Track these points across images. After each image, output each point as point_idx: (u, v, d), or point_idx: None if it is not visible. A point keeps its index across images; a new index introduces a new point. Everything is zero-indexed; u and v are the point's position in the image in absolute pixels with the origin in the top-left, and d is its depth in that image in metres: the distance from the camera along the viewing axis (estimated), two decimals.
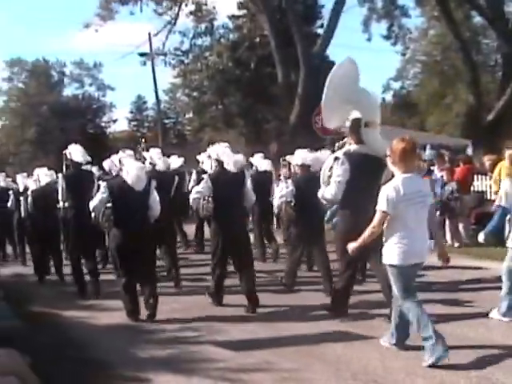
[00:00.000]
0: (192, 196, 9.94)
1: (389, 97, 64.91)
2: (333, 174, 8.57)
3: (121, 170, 9.50)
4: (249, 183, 10.30)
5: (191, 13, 35.76)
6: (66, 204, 11.72)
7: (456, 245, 14.93)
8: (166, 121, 71.19)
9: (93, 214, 9.35)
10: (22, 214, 14.48)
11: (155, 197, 9.43)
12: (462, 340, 7.32)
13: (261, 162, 15.11)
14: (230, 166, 9.81)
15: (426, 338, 6.55)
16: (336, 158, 8.61)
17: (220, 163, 10.00)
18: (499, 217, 8.57)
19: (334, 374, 6.40)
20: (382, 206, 6.75)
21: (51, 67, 69.84)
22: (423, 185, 7.14)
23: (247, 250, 9.92)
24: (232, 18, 41.53)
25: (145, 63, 39.85)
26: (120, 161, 10.10)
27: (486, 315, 8.39)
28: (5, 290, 8.84)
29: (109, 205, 9.16)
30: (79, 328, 9.11)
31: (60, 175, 12.22)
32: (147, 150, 13.32)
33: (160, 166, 12.33)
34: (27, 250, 15.44)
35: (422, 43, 52.64)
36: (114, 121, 72.59)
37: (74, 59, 71.22)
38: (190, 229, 17.12)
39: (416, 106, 56.45)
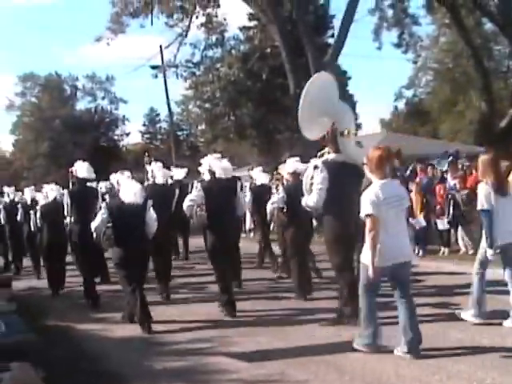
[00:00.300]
0: (185, 204, 10.31)
1: (401, 105, 64.83)
2: (314, 182, 9.02)
3: (119, 190, 10.09)
4: (239, 192, 10.84)
5: (202, 25, 35.77)
6: (72, 219, 12.09)
7: (470, 252, 14.84)
8: (179, 133, 71.15)
9: (94, 234, 9.86)
10: (32, 228, 14.85)
11: (152, 214, 9.89)
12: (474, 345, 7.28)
13: (259, 176, 15.63)
14: (220, 174, 10.32)
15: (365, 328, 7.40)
16: (315, 167, 9.08)
17: (212, 173, 10.44)
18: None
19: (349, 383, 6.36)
20: (367, 210, 7.12)
21: (64, 81, 70.09)
22: (400, 189, 7.61)
23: (237, 257, 11.02)
24: (243, 29, 41.56)
25: (156, 76, 39.93)
26: (117, 181, 10.79)
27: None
28: (18, 303, 8.83)
29: (109, 224, 9.65)
30: (93, 341, 9.14)
31: (65, 191, 12.73)
32: (150, 164, 13.50)
33: (159, 180, 12.66)
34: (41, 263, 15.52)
35: (434, 51, 52.52)
36: (127, 134, 72.42)
37: (87, 73, 71.63)
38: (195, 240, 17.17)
39: (428, 113, 56.26)
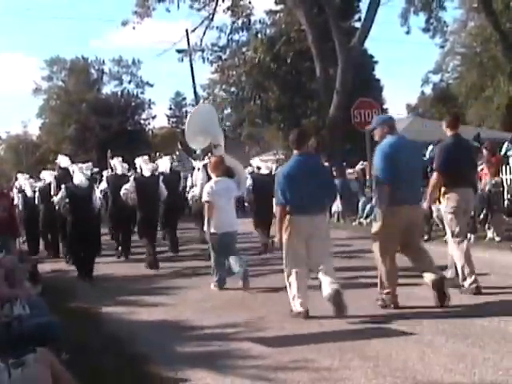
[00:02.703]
0: (122, 191, 14.61)
1: (428, 90, 64.34)
2: (197, 178, 14.51)
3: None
4: (161, 184, 14.93)
5: (228, 8, 35.55)
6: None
7: (497, 239, 14.82)
8: None
9: (57, 206, 14.37)
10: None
11: (96, 195, 14.44)
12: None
13: (262, 165, 17.97)
14: (146, 172, 14.94)
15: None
16: (198, 169, 14.98)
17: (141, 170, 15.16)
18: None
19: (373, 370, 6.31)
20: (205, 197, 11.13)
21: (90, 65, 70.11)
22: (230, 184, 11.52)
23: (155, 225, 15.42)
24: (269, 12, 41.34)
25: (182, 59, 39.74)
26: (73, 171, 14.61)
27: None
28: (44, 286, 8.88)
29: (67, 200, 13.78)
30: (118, 323, 9.19)
31: (52, 176, 16.96)
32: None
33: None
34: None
35: (461, 35, 51.96)
36: (153, 117, 72.49)
37: (113, 56, 71.60)
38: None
39: (455, 98, 55.70)
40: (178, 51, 39.43)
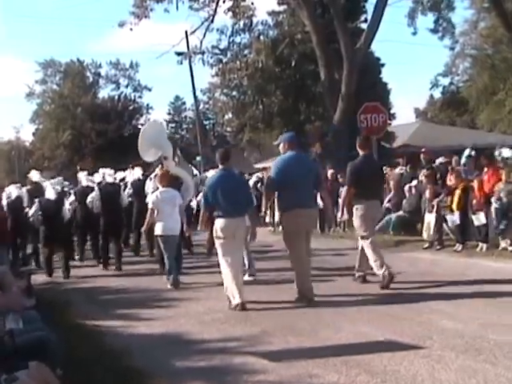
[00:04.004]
0: (88, 199, 16.53)
1: (437, 93, 64.32)
2: (149, 187, 15.86)
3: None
4: (122, 192, 17.21)
5: (229, 9, 35.41)
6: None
7: (510, 248, 14.65)
8: (205, 122, 70.92)
9: (31, 218, 16.01)
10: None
11: (66, 207, 16.09)
12: None
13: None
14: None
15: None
16: (150, 178, 16.31)
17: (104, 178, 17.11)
18: None
19: None
20: (150, 205, 13.15)
21: (86, 68, 70.07)
22: (174, 194, 13.32)
23: (119, 232, 17.03)
24: (272, 13, 41.08)
25: (182, 62, 39.72)
26: (46, 185, 16.48)
27: None
28: (38, 298, 8.84)
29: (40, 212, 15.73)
30: (115, 337, 9.14)
31: (24, 189, 18.19)
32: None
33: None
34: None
35: (472, 36, 51.87)
36: None
37: (110, 59, 71.50)
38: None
39: (466, 102, 55.58)
40: (178, 54, 39.42)
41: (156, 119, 19.08)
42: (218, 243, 10.51)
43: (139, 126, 68.29)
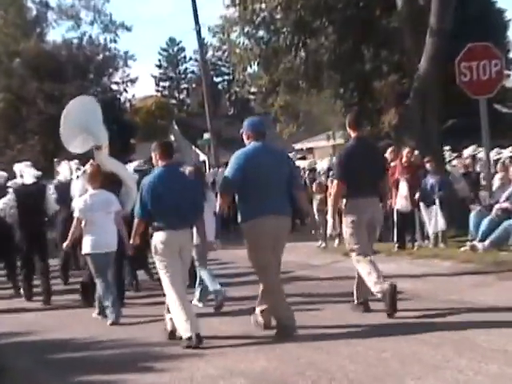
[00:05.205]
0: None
1: None
2: (75, 188, 13.44)
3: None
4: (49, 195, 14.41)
5: None
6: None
7: None
8: (217, 79, 61.49)
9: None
10: None
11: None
12: None
13: None
14: (28, 180, 14.12)
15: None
16: (77, 176, 14.16)
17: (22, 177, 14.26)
18: None
19: None
20: (76, 213, 11.13)
21: None
22: (109, 197, 11.26)
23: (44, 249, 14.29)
24: None
25: None
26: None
27: None
28: None
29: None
30: None
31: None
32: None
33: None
34: None
35: None
36: (133, 81, 53.23)
37: None
38: None
39: None
40: None
41: (84, 96, 15.52)
42: (158, 262, 9.29)
43: (113, 87, 53.38)
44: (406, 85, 23.02)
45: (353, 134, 10.54)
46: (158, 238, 9.21)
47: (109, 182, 11.87)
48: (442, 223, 17.00)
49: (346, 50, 25.30)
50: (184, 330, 8.84)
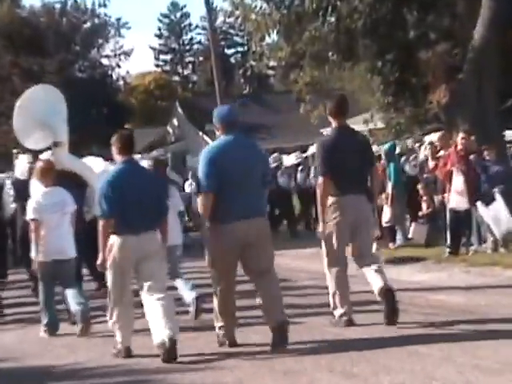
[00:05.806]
0: None
1: None
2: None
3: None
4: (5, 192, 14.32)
5: None
6: None
7: None
8: (228, 51, 58.38)
9: None
10: None
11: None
12: None
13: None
14: None
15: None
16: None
17: None
18: None
19: None
20: (30, 215, 10.16)
21: None
22: (65, 196, 10.41)
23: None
24: None
25: None
26: None
27: None
28: None
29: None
30: None
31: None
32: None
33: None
34: None
35: None
36: (127, 53, 49.07)
37: None
38: None
39: None
40: None
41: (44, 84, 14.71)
42: (110, 266, 8.50)
43: (103, 61, 49.14)
44: (459, 56, 20.93)
45: (334, 124, 9.67)
46: (115, 243, 8.50)
47: (64, 178, 11.05)
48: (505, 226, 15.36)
49: (385, 14, 22.71)
50: (121, 342, 8.69)
